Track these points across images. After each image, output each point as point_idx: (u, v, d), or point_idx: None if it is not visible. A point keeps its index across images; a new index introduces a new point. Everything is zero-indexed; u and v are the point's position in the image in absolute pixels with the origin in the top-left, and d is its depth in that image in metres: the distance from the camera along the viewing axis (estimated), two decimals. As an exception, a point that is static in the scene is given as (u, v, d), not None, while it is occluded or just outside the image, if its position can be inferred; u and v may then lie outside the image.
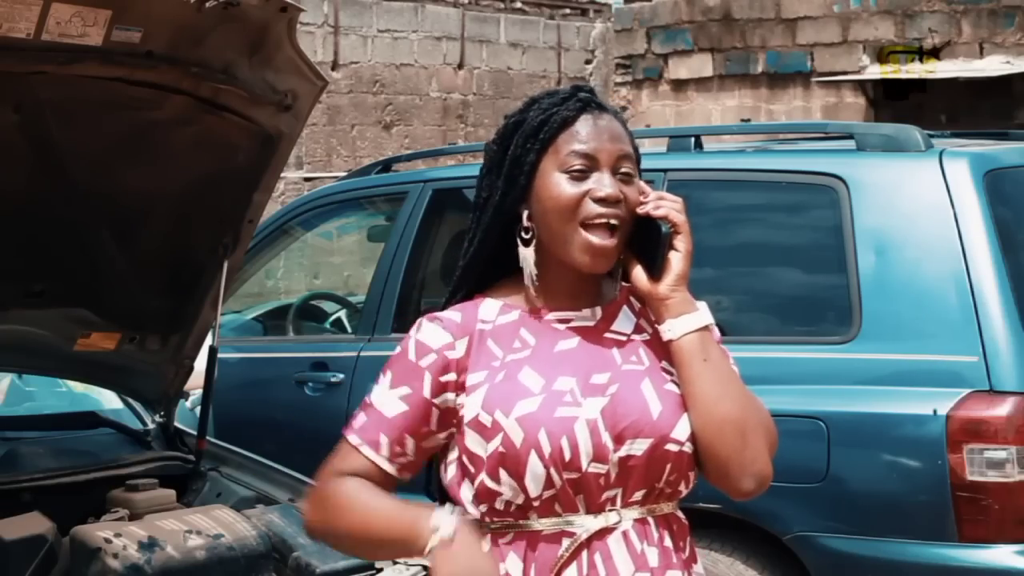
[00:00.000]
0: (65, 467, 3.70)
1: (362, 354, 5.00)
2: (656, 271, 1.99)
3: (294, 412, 5.15)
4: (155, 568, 3.18)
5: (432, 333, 2.01)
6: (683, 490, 2.02)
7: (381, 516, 1.99)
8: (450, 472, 2.02)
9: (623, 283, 2.08)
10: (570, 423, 1.93)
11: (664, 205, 1.99)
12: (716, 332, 2.06)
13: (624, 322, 2.06)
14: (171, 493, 3.69)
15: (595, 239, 1.96)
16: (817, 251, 4.20)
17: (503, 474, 1.93)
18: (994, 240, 3.78)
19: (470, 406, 1.97)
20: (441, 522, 1.95)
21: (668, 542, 2.00)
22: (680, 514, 2.05)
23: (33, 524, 3.30)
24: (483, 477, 1.95)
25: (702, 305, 2.03)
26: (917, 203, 3.98)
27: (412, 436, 2.00)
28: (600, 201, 1.95)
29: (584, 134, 1.99)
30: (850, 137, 4.34)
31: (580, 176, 1.97)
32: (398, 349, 2.03)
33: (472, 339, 2.00)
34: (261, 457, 3.94)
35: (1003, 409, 3.60)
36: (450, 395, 1.99)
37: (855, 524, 3.79)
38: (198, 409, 4.00)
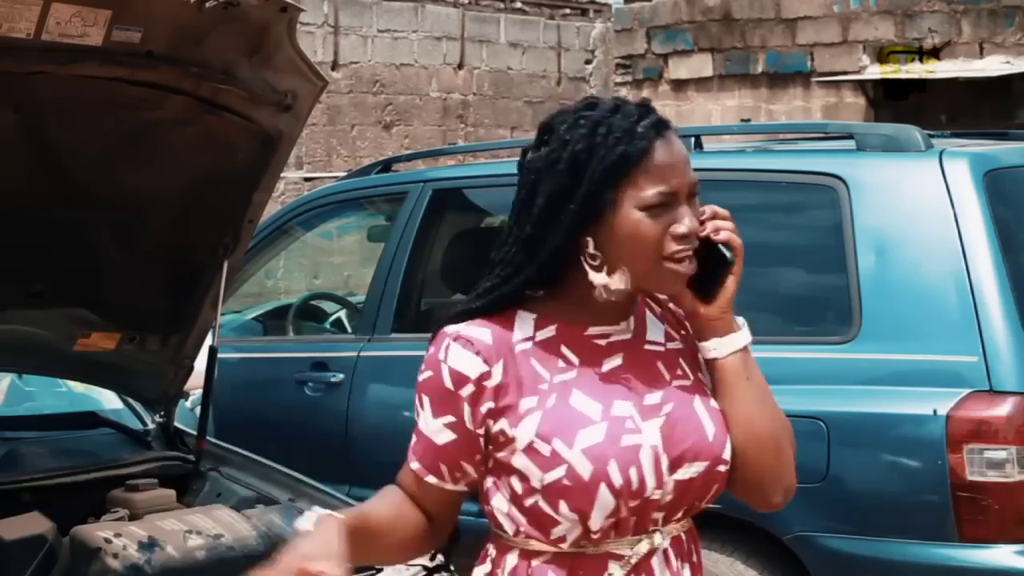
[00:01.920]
0: (65, 467, 3.70)
1: (362, 354, 5.00)
2: (710, 292, 1.96)
3: (294, 412, 5.14)
4: (155, 568, 3.18)
5: (465, 360, 1.92)
6: (706, 505, 2.01)
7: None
8: (487, 484, 1.97)
9: None
10: (636, 452, 1.89)
11: (722, 228, 1.95)
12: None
13: (655, 330, 2.02)
14: (171, 493, 3.69)
15: (682, 268, 1.91)
16: (817, 251, 4.20)
17: (563, 507, 1.88)
18: (994, 240, 3.78)
19: (523, 432, 1.90)
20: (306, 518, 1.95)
21: (695, 556, 2.00)
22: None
23: (33, 524, 3.29)
24: (539, 506, 1.90)
25: (742, 322, 2.02)
26: (917, 203, 3.98)
27: (466, 461, 1.95)
28: (682, 238, 1.90)
29: (664, 167, 1.89)
30: (850, 137, 4.34)
31: (659, 212, 1.89)
32: (429, 373, 1.95)
33: (509, 360, 1.92)
34: (261, 457, 3.94)
35: (1003, 409, 3.60)
36: (490, 421, 1.92)
37: (855, 524, 3.79)
38: (198, 409, 4.00)
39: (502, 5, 14.83)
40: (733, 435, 1.95)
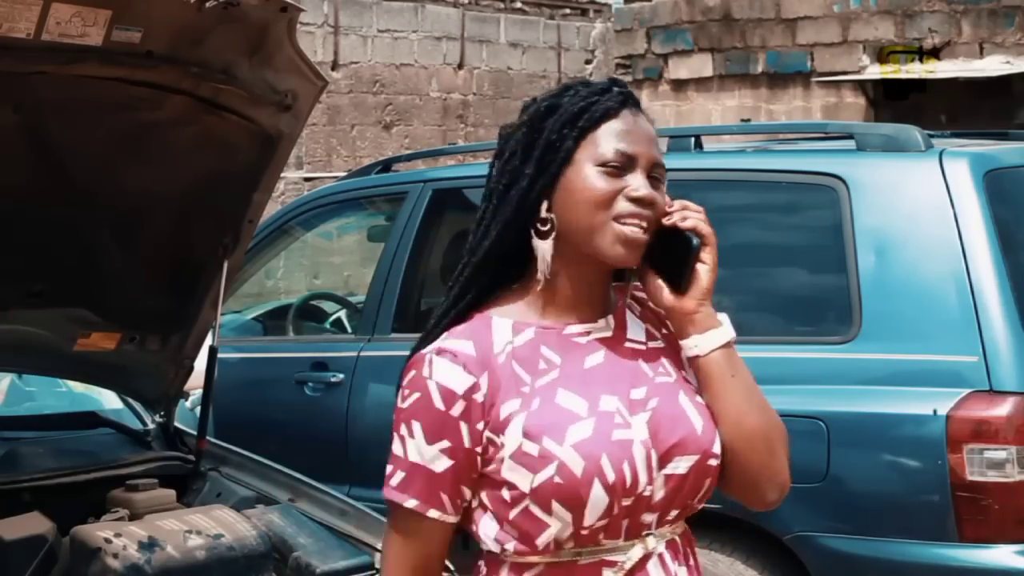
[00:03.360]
0: (65, 467, 3.70)
1: (362, 354, 5.00)
2: (683, 284, 1.90)
3: (294, 412, 5.15)
4: (155, 568, 3.18)
5: (451, 374, 1.85)
6: (701, 506, 1.97)
7: None
8: (472, 504, 1.91)
9: (615, 283, 1.99)
10: (628, 446, 1.85)
11: (691, 216, 1.90)
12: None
13: (636, 329, 1.97)
14: (171, 493, 3.69)
15: (629, 230, 1.86)
16: (817, 251, 4.20)
17: (556, 506, 1.82)
18: (994, 240, 3.78)
19: (509, 437, 1.84)
20: None
21: (692, 559, 1.96)
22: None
23: (33, 524, 3.30)
24: (527, 507, 1.84)
25: (724, 318, 1.96)
26: (917, 203, 3.98)
27: (466, 485, 1.88)
28: (635, 201, 1.86)
29: (626, 131, 1.90)
30: (850, 137, 4.34)
31: (615, 173, 1.87)
32: (416, 395, 1.87)
33: (492, 370, 1.87)
34: (261, 457, 3.94)
35: (1003, 409, 3.60)
36: (488, 434, 1.86)
37: (855, 524, 3.79)
38: (198, 409, 4.00)
39: (502, 5, 14.84)
40: (722, 432, 1.91)
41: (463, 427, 1.85)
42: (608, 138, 1.89)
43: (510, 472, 1.84)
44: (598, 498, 1.82)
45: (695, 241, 1.90)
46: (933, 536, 3.66)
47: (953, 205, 3.84)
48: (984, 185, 3.87)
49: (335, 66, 13.02)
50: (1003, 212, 3.87)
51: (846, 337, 3.92)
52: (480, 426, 1.85)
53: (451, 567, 3.15)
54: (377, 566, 3.46)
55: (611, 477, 1.82)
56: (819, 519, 3.80)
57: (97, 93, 3.18)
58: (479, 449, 1.86)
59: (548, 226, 1.89)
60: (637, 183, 1.88)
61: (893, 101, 12.31)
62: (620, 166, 1.88)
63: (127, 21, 3.05)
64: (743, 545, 3.93)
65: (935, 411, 3.65)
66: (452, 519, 1.89)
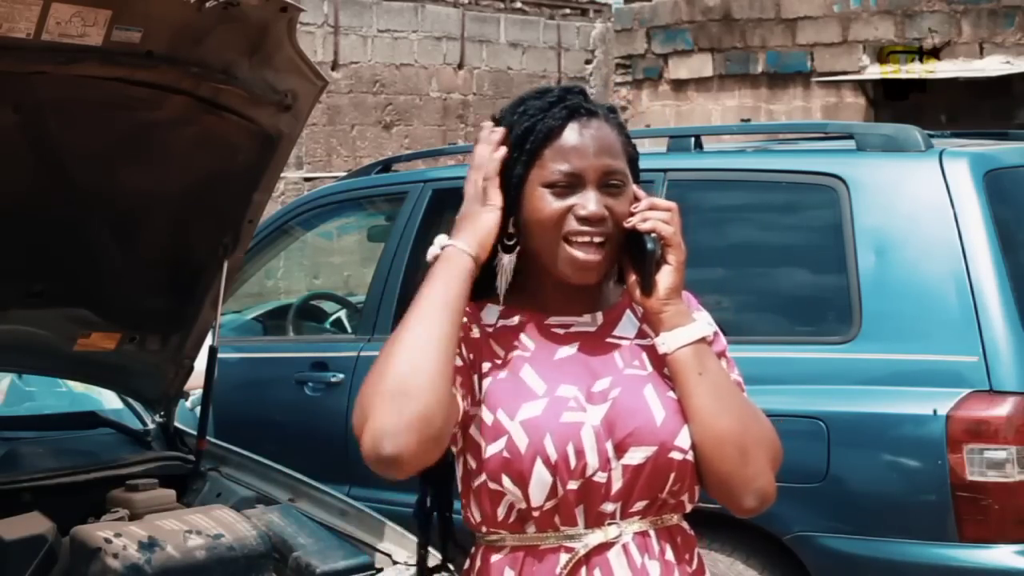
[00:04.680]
0: (65, 467, 3.70)
1: (362, 354, 5.00)
2: (647, 285, 1.94)
3: (294, 412, 5.15)
4: (155, 568, 3.18)
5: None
6: (687, 502, 1.97)
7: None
8: (459, 469, 1.98)
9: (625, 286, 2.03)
10: (576, 428, 1.89)
11: (651, 217, 1.93)
12: (722, 339, 2.02)
13: (627, 327, 2.01)
14: (171, 493, 3.69)
15: (579, 254, 1.92)
16: (817, 251, 4.20)
17: (506, 480, 1.89)
18: (994, 240, 3.78)
19: (474, 405, 1.93)
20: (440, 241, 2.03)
21: (670, 555, 1.95)
22: (685, 526, 2.01)
23: (33, 524, 3.29)
24: (484, 480, 1.91)
25: (700, 316, 1.99)
26: (917, 203, 3.98)
27: (461, 386, 1.93)
28: (582, 220, 1.91)
29: (568, 148, 1.93)
30: (850, 137, 4.34)
31: (564, 192, 1.92)
32: None
33: (479, 332, 1.98)
34: (261, 457, 3.94)
35: (1003, 409, 3.60)
36: (473, 377, 1.95)
37: (855, 524, 3.79)
38: (198, 409, 4.00)
39: (502, 5, 14.84)
40: (693, 432, 1.92)
41: (461, 347, 1.94)
42: (553, 158, 1.93)
43: (475, 436, 1.92)
44: (541, 476, 1.87)
45: (651, 245, 1.93)
46: (933, 536, 3.67)
47: (953, 205, 3.85)
48: (984, 185, 3.87)
49: (335, 66, 13.01)
50: (1003, 212, 3.87)
51: (846, 337, 3.92)
52: (470, 356, 1.95)
53: (451, 568, 3.15)
54: (378, 565, 3.46)
55: (553, 456, 1.87)
56: (819, 519, 3.80)
57: (97, 93, 3.18)
58: (463, 382, 1.92)
59: (513, 241, 1.97)
60: (585, 200, 1.92)
61: (893, 101, 12.32)
62: (567, 185, 1.92)
63: (127, 21, 3.05)
64: (743, 545, 3.93)
65: (935, 411, 3.65)
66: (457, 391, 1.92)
